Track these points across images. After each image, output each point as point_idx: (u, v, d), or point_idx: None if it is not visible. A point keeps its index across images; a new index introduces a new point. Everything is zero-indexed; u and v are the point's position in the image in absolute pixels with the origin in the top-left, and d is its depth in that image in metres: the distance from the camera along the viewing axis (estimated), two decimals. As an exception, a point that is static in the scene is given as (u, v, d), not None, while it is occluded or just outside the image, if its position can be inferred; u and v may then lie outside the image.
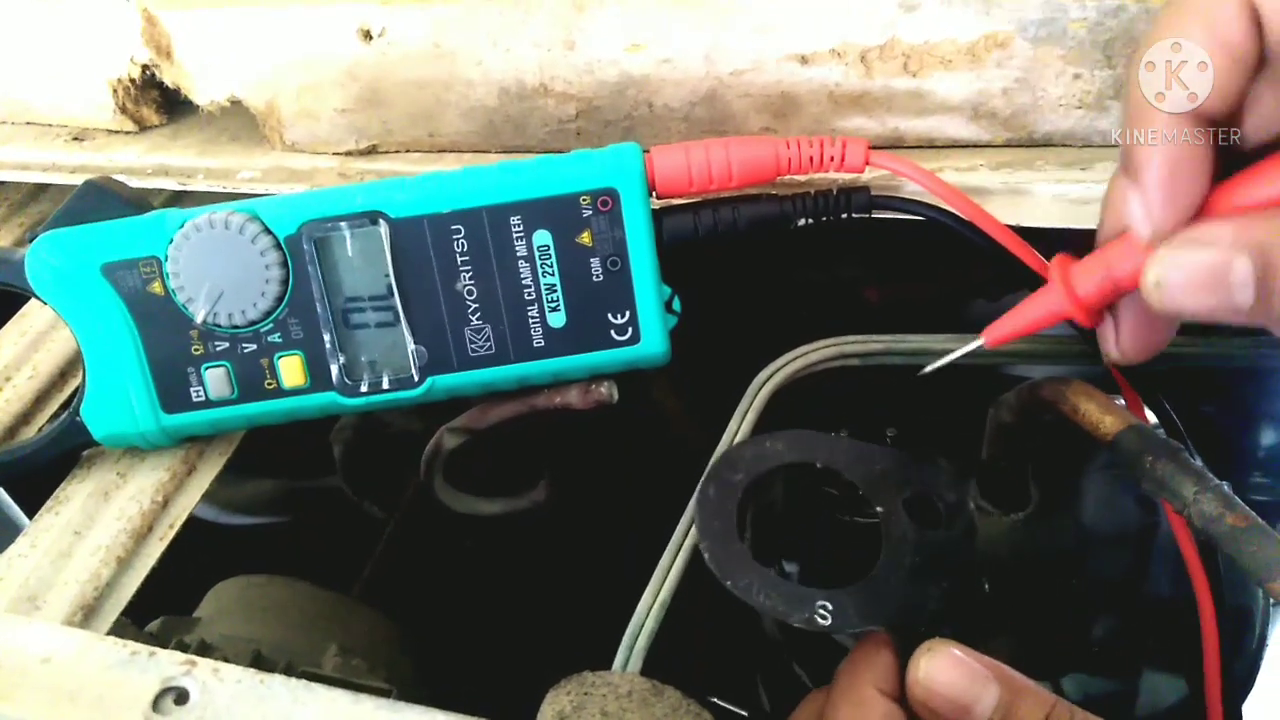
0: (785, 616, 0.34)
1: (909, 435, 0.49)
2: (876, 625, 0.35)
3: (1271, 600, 0.45)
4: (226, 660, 0.48)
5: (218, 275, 0.39)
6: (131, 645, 0.34)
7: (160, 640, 0.49)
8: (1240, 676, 0.44)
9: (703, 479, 0.39)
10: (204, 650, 0.49)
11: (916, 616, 0.36)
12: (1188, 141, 0.29)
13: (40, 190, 0.59)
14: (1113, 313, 0.34)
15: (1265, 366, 0.45)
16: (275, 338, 0.40)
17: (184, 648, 0.49)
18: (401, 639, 0.60)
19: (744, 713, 0.51)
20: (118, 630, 0.43)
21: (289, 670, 0.50)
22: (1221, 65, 0.28)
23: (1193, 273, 0.28)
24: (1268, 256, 0.27)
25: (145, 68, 0.52)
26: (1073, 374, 0.42)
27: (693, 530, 0.39)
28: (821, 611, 0.35)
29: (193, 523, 0.43)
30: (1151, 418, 0.40)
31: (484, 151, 0.49)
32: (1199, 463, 0.36)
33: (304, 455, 0.71)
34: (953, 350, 0.38)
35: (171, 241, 0.39)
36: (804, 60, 0.43)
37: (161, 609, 0.52)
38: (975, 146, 0.44)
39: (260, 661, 0.50)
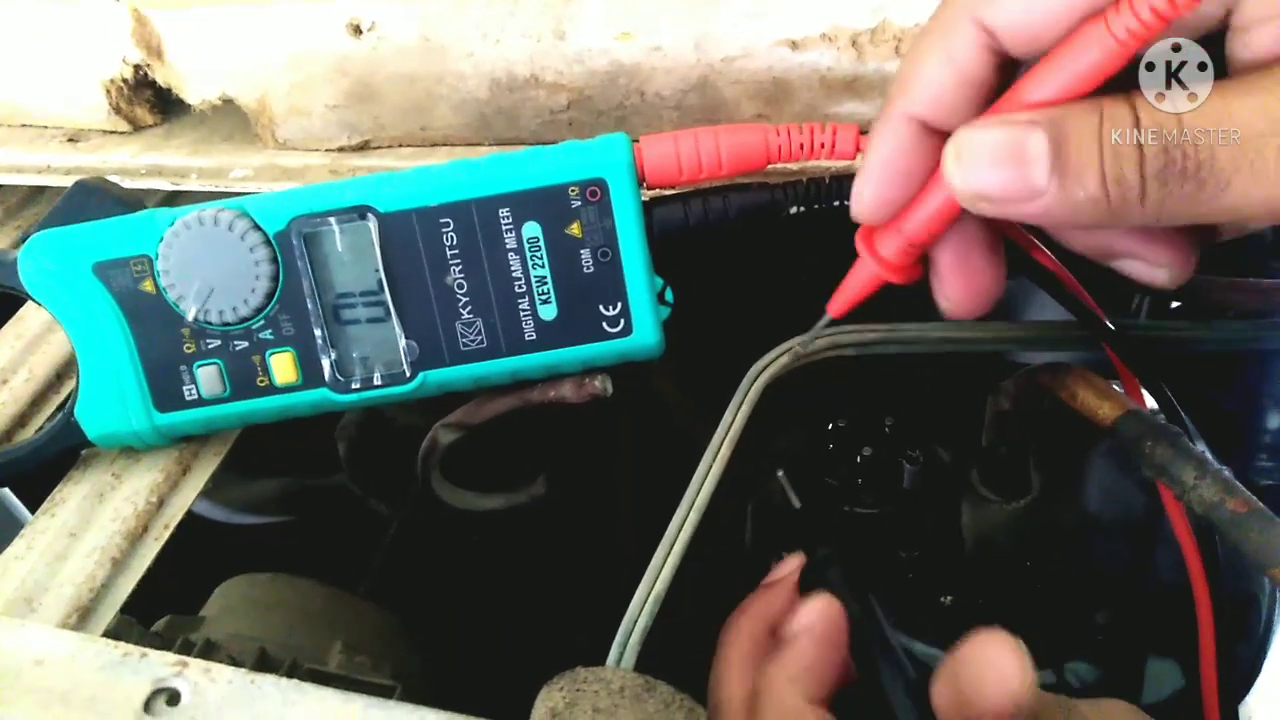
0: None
1: (907, 424, 0.49)
2: None
3: (1277, 587, 0.44)
4: (233, 658, 0.48)
5: (208, 272, 0.39)
6: (124, 647, 0.34)
7: (166, 639, 0.49)
8: (1245, 663, 0.44)
9: None
10: (209, 648, 0.49)
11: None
12: (907, 141, 0.31)
13: (37, 193, 0.59)
14: (933, 267, 0.35)
15: (1266, 349, 0.44)
16: (266, 334, 0.40)
17: (189, 646, 0.49)
18: (407, 635, 0.60)
19: None
20: (121, 629, 0.43)
21: (294, 667, 0.50)
22: (949, 84, 0.30)
23: (991, 145, 0.28)
24: (1061, 131, 0.27)
25: (137, 68, 0.52)
26: (1072, 360, 0.42)
27: (687, 522, 0.39)
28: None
29: (200, 522, 0.42)
30: (1151, 403, 0.40)
31: (476, 144, 0.49)
32: (1200, 447, 0.36)
33: (309, 453, 0.71)
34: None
35: (162, 240, 0.39)
36: (795, 45, 0.42)
37: (171, 608, 0.52)
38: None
39: (265, 659, 0.50)
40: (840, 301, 0.37)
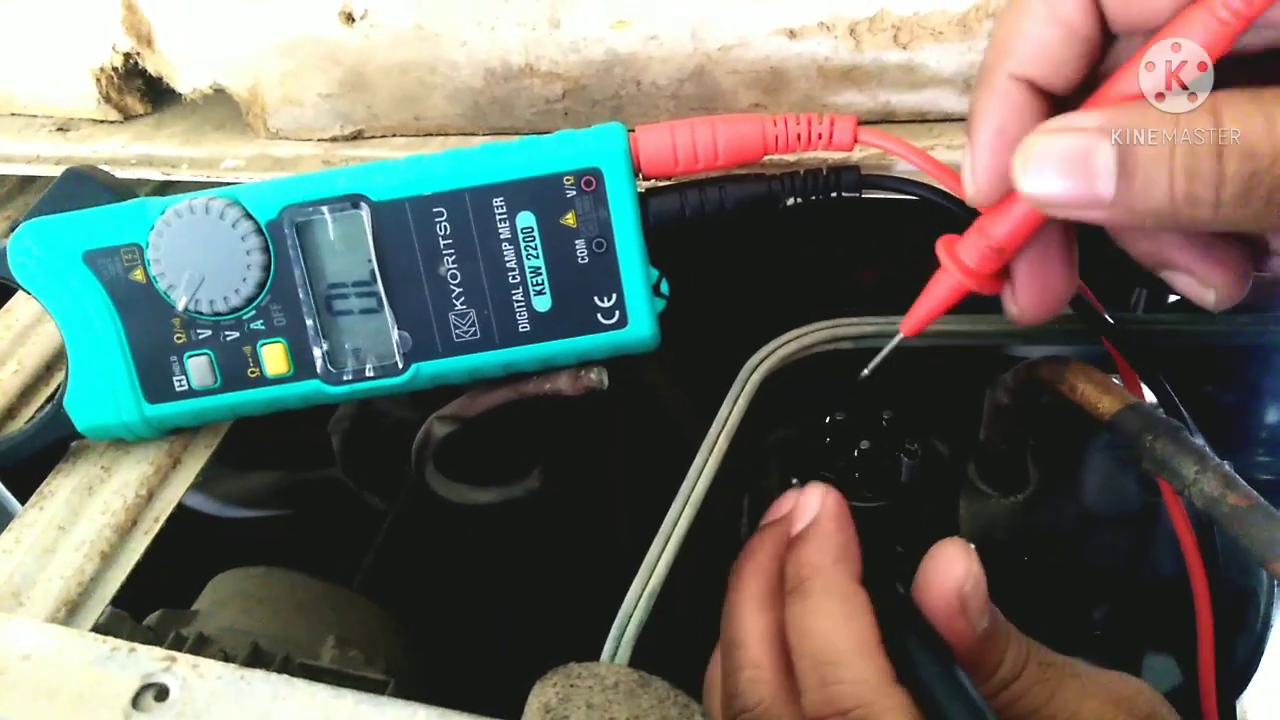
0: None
1: (905, 418, 0.49)
2: None
3: (1276, 581, 0.44)
4: (225, 652, 0.48)
5: (199, 262, 0.39)
6: (112, 642, 0.33)
7: (159, 633, 0.49)
8: (1243, 657, 0.44)
9: None
10: (201, 642, 0.49)
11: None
12: (1018, 107, 0.30)
13: (27, 182, 0.59)
14: (1008, 276, 0.34)
15: (1267, 343, 0.44)
16: (258, 325, 0.40)
17: (182, 640, 0.49)
18: (400, 630, 0.59)
19: None
20: (113, 623, 0.43)
21: (287, 662, 0.50)
22: (1056, 40, 0.29)
23: (1060, 153, 0.28)
24: (1128, 141, 0.27)
25: (128, 56, 0.51)
26: (1071, 354, 0.41)
27: (683, 517, 0.38)
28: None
29: (192, 516, 0.42)
30: (1150, 397, 0.40)
31: (471, 134, 0.48)
32: (1200, 441, 0.36)
33: (302, 446, 0.71)
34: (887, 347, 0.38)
35: (153, 228, 0.39)
36: (792, 34, 0.42)
37: (163, 602, 0.52)
38: (969, 121, 0.43)
39: (258, 653, 0.50)
40: (918, 317, 0.36)
